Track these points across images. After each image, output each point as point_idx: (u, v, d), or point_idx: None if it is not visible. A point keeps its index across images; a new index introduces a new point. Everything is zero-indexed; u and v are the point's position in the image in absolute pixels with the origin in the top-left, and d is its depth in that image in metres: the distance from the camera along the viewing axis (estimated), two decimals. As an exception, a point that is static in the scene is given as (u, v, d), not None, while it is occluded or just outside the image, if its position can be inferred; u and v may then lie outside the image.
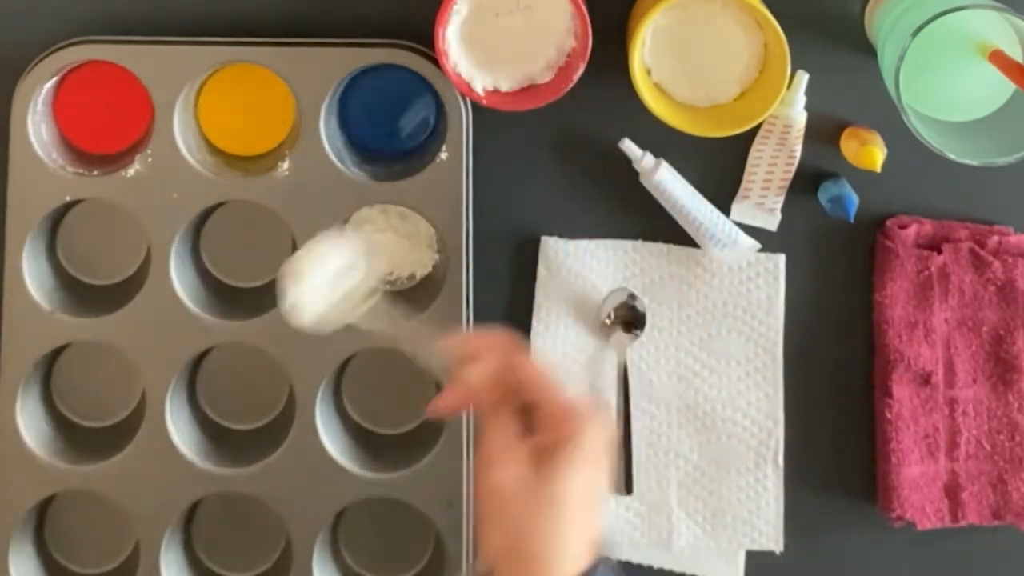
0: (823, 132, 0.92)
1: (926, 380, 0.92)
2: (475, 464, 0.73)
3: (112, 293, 0.93)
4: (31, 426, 0.90)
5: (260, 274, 0.95)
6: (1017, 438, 0.92)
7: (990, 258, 0.92)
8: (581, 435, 0.70)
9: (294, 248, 0.92)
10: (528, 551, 0.68)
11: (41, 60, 0.89)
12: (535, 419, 0.72)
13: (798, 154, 0.92)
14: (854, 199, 0.90)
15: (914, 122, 0.80)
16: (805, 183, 0.93)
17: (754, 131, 0.91)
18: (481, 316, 0.93)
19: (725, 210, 0.93)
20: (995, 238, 0.93)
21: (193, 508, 0.92)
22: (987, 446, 0.93)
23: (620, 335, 0.93)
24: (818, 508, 0.94)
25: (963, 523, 0.92)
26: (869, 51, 0.92)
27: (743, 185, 0.93)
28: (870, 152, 0.88)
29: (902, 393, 0.92)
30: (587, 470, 0.70)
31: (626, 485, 0.92)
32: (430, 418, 0.77)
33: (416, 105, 0.94)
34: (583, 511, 0.69)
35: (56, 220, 0.93)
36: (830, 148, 0.92)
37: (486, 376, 0.72)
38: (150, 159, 0.89)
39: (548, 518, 0.68)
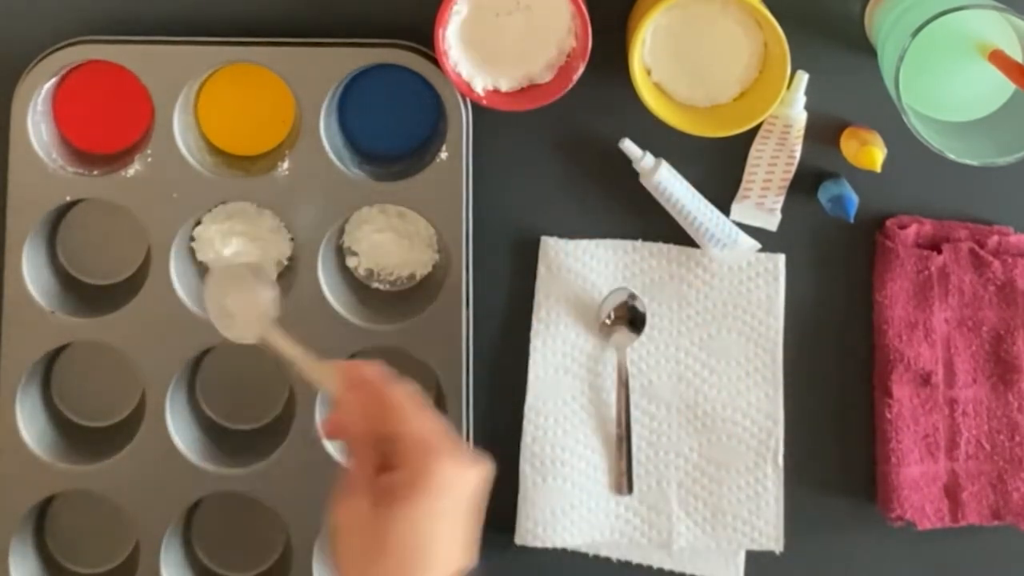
0: (823, 132, 0.92)
1: (926, 380, 0.92)
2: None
3: (112, 293, 0.93)
4: (31, 426, 0.90)
5: (260, 274, 0.95)
6: (1017, 438, 0.92)
7: (990, 258, 0.92)
8: (425, 471, 0.69)
9: (293, 248, 0.92)
10: None
11: (41, 60, 0.89)
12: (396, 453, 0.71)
13: (798, 154, 0.92)
14: (854, 199, 0.90)
15: (914, 122, 0.80)
16: (805, 183, 0.93)
17: (754, 131, 0.91)
18: (481, 316, 0.93)
19: (725, 210, 0.93)
20: (995, 238, 0.93)
21: (193, 508, 0.92)
22: (987, 446, 0.93)
23: (620, 335, 0.93)
24: (818, 508, 0.94)
25: (963, 523, 0.92)
26: (869, 51, 0.92)
27: (743, 185, 0.93)
28: (870, 152, 0.88)
29: (902, 393, 0.92)
30: (426, 507, 0.69)
31: (626, 485, 0.92)
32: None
33: (416, 105, 0.93)
34: (425, 550, 0.68)
35: (56, 220, 0.93)
36: (830, 148, 0.92)
37: (355, 409, 0.73)
38: (150, 159, 0.89)
39: (375, 554, 0.68)
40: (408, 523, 0.68)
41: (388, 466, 0.71)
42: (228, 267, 0.82)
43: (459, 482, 0.70)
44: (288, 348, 0.78)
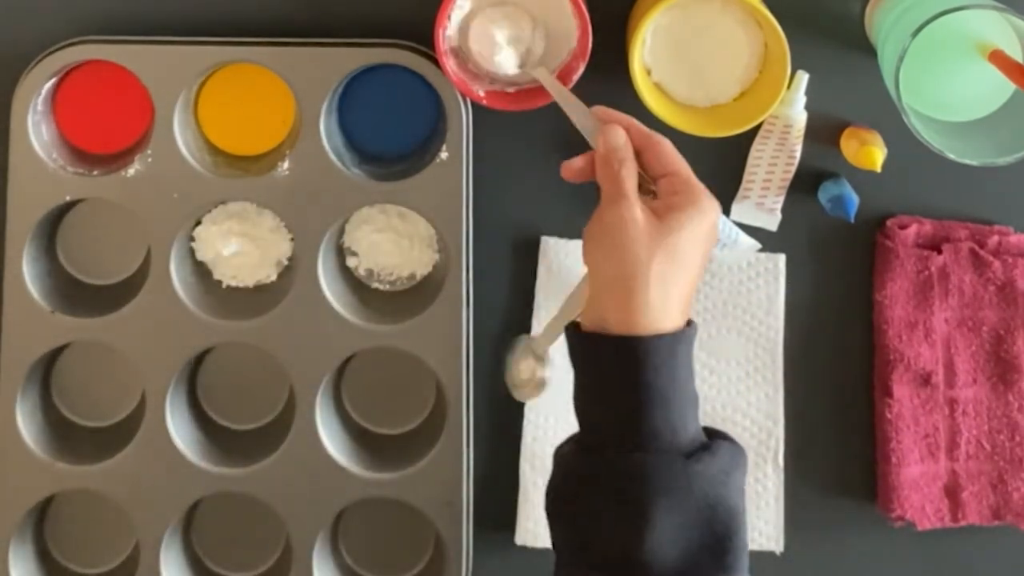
0: (823, 132, 0.93)
1: (926, 380, 0.92)
2: (603, 198, 0.77)
3: (112, 293, 0.93)
4: (31, 426, 0.90)
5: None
6: (1017, 438, 0.92)
7: (990, 258, 0.92)
8: (702, 203, 0.75)
9: (293, 248, 0.92)
10: (635, 287, 0.72)
11: (41, 60, 0.89)
12: (656, 187, 0.77)
13: (798, 154, 0.92)
14: (854, 199, 0.90)
15: (914, 122, 0.80)
16: (805, 183, 0.93)
17: (754, 131, 0.91)
18: (481, 316, 0.93)
19: (725, 210, 0.93)
20: (995, 238, 0.93)
21: (193, 508, 0.92)
22: (987, 446, 0.93)
23: (620, 335, 0.93)
24: (818, 508, 0.94)
25: (963, 523, 0.92)
26: (869, 51, 0.92)
27: (743, 185, 0.93)
28: (870, 152, 0.88)
29: (902, 393, 0.92)
30: (702, 235, 0.75)
31: (626, 485, 0.92)
32: (566, 177, 0.81)
33: (416, 105, 0.93)
34: (689, 272, 0.74)
35: (56, 220, 0.93)
36: (830, 148, 0.92)
37: (626, 137, 0.78)
38: (150, 159, 0.89)
39: (663, 263, 0.73)
40: (693, 244, 0.74)
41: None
42: None
43: (714, 214, 0.76)
44: (558, 87, 0.84)
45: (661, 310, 0.72)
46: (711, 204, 0.76)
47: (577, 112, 0.81)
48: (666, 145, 0.78)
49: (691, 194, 0.76)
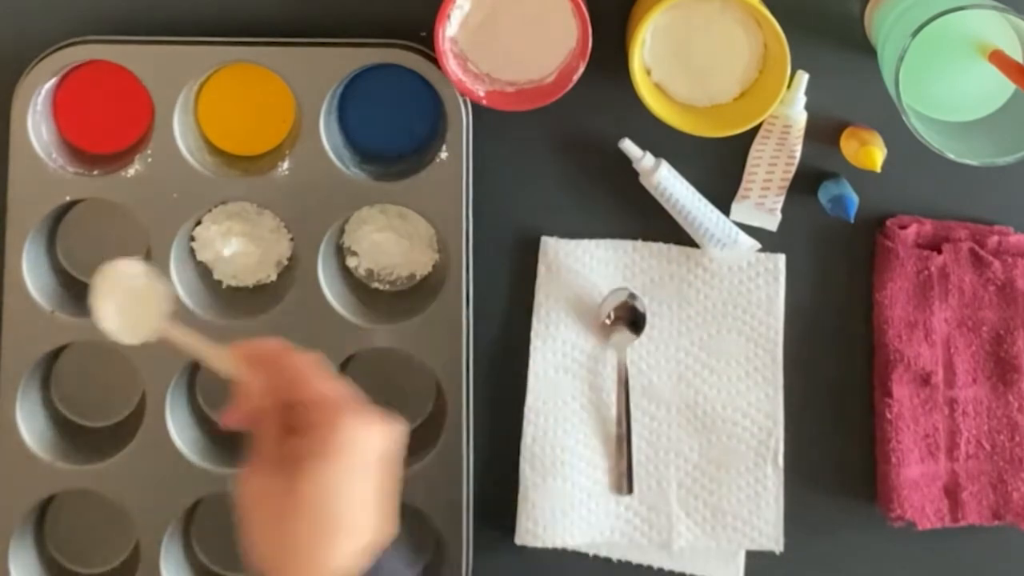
0: (823, 132, 0.93)
1: (926, 380, 0.92)
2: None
3: (112, 293, 0.93)
4: (31, 426, 0.90)
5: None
6: (1017, 438, 0.92)
7: (990, 258, 0.92)
8: (330, 430, 0.67)
9: (293, 248, 0.92)
10: (282, 557, 0.67)
11: (41, 60, 0.89)
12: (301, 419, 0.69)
13: (798, 154, 0.92)
14: (854, 199, 0.90)
15: (914, 122, 0.80)
16: (805, 183, 0.93)
17: (754, 131, 0.91)
18: (481, 316, 0.93)
19: (725, 210, 0.93)
20: (995, 238, 0.93)
21: (193, 508, 0.92)
22: (987, 446, 0.93)
23: (620, 335, 0.93)
24: (818, 508, 0.94)
25: (963, 523, 0.92)
26: (869, 51, 0.92)
27: (743, 185, 0.93)
28: (870, 152, 0.88)
29: (902, 393, 0.92)
30: (333, 466, 0.67)
31: (626, 485, 0.92)
32: (225, 428, 0.76)
33: (416, 105, 0.93)
34: (336, 511, 0.67)
35: (56, 220, 0.93)
36: (830, 148, 0.93)
37: (257, 385, 0.71)
38: (150, 159, 0.89)
39: (286, 520, 0.67)
40: (316, 484, 0.66)
41: (294, 435, 0.69)
42: (115, 264, 0.76)
43: (366, 440, 0.68)
44: (187, 340, 0.75)
45: (317, 564, 0.66)
46: (348, 424, 0.68)
47: (214, 364, 0.74)
48: (294, 367, 0.71)
49: (320, 423, 0.68)
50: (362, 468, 0.68)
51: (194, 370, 0.94)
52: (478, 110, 0.89)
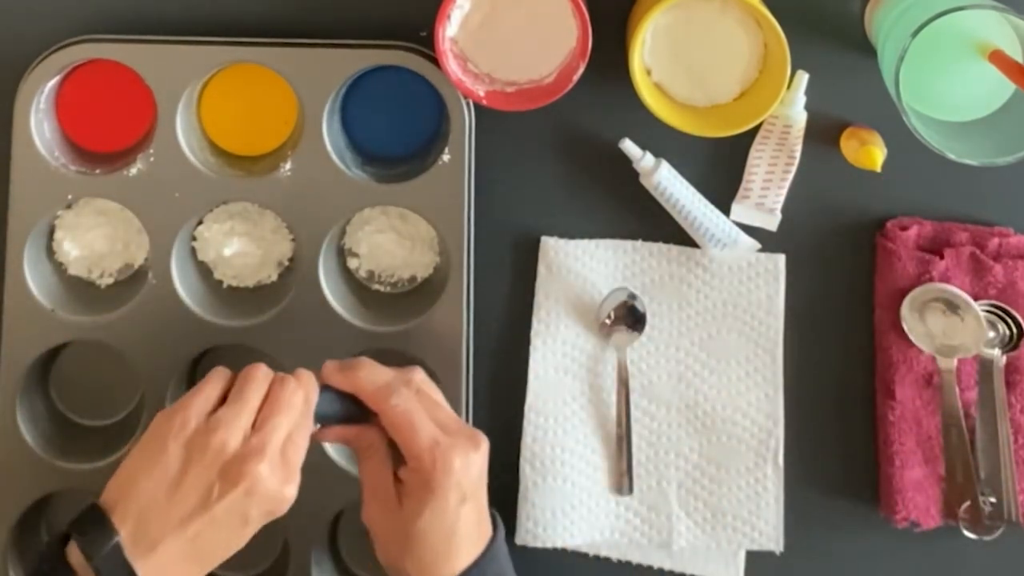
0: (823, 132, 0.93)
1: (928, 382, 0.92)
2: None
3: (112, 292, 0.93)
4: (31, 425, 0.90)
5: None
6: (1020, 439, 0.91)
7: (991, 262, 0.92)
8: (433, 471, 0.77)
9: (294, 248, 0.92)
10: (398, 570, 0.79)
11: (44, 58, 0.89)
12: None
13: (798, 154, 0.92)
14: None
15: (914, 122, 0.80)
16: (805, 183, 0.93)
17: (754, 131, 0.91)
18: (481, 316, 0.93)
19: (725, 210, 0.93)
20: (995, 240, 0.93)
21: (192, 508, 0.92)
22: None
23: (620, 335, 0.93)
24: (818, 508, 0.93)
25: (965, 524, 0.92)
26: (869, 51, 0.92)
27: (743, 185, 0.93)
28: (870, 152, 0.88)
29: (904, 395, 0.92)
30: (442, 502, 0.77)
31: (626, 485, 0.92)
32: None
33: (418, 107, 0.94)
34: (444, 538, 0.78)
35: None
36: (830, 148, 0.93)
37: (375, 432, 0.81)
38: (152, 158, 0.89)
39: (408, 550, 0.78)
40: (428, 520, 0.77)
41: (403, 465, 0.80)
42: None
43: (467, 470, 0.78)
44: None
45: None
46: (461, 462, 0.78)
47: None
48: (389, 416, 0.79)
49: (424, 467, 0.78)
50: (470, 494, 0.79)
51: (194, 370, 0.94)
52: (478, 110, 0.90)
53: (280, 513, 0.75)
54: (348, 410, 0.81)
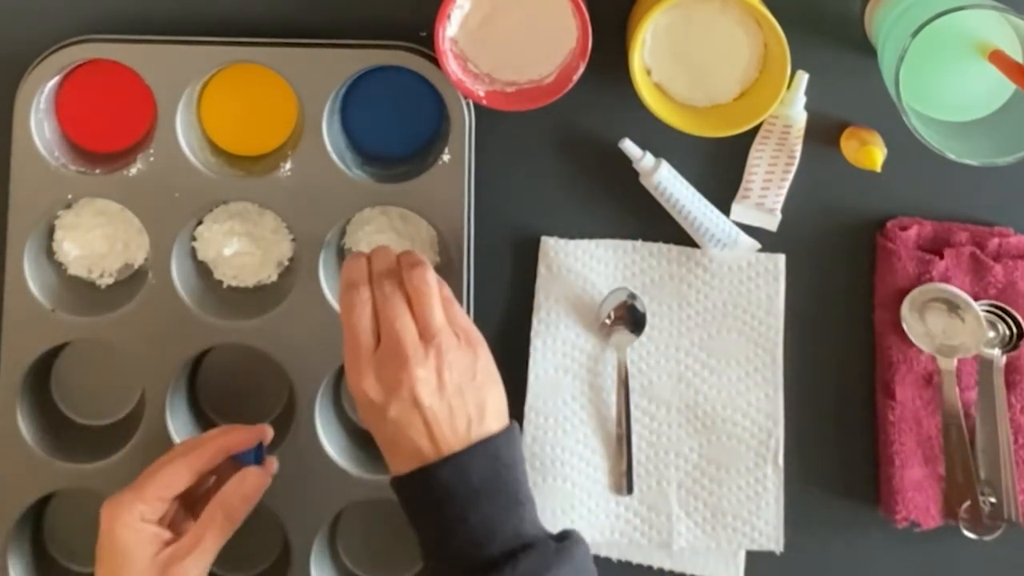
0: (823, 132, 0.93)
1: (928, 382, 0.92)
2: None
3: (112, 292, 0.93)
4: (31, 425, 0.90)
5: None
6: (1020, 440, 0.91)
7: (991, 262, 0.92)
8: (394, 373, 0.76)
9: (294, 248, 0.92)
10: (389, 448, 0.78)
11: (44, 58, 0.89)
12: None
13: (798, 154, 0.92)
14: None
15: (914, 122, 0.80)
16: (805, 183, 0.93)
17: (754, 131, 0.91)
18: (481, 316, 0.92)
19: (725, 210, 0.93)
20: (995, 240, 0.93)
21: (192, 507, 0.92)
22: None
23: (620, 335, 0.93)
24: (818, 508, 0.93)
25: (965, 524, 0.92)
26: (869, 51, 0.92)
27: (743, 185, 0.93)
28: (870, 152, 0.88)
29: (904, 395, 0.92)
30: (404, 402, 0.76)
31: (626, 485, 0.92)
32: None
33: (418, 107, 0.94)
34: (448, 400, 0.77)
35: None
36: (830, 148, 0.93)
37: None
38: (152, 158, 0.89)
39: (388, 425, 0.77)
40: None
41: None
42: None
43: (423, 382, 0.76)
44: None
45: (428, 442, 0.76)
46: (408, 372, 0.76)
47: None
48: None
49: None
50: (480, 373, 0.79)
51: (194, 370, 0.94)
52: (478, 110, 0.90)
53: None
54: None
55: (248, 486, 0.83)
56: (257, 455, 0.85)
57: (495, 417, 0.79)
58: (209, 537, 0.81)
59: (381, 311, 0.78)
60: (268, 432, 0.87)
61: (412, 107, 0.94)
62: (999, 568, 0.93)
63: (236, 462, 0.84)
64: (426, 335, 0.77)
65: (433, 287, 0.79)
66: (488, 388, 0.79)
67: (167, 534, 0.81)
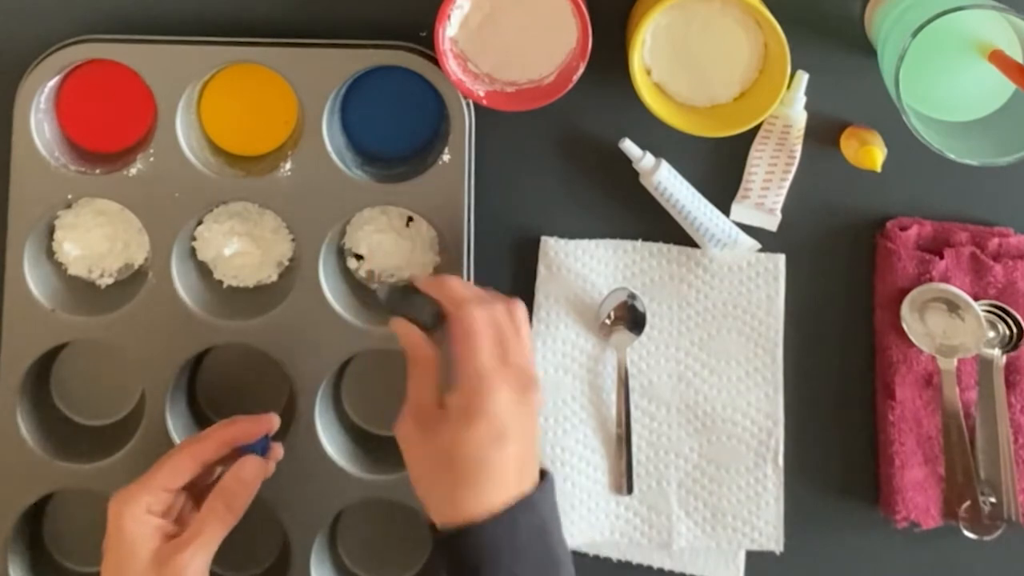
0: (823, 132, 0.93)
1: (928, 382, 0.92)
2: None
3: (112, 292, 0.93)
4: (31, 425, 0.90)
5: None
6: (1020, 439, 0.91)
7: (991, 262, 0.92)
8: (475, 404, 0.74)
9: (294, 248, 0.92)
10: (426, 494, 0.76)
11: (44, 58, 0.89)
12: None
13: (798, 154, 0.92)
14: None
15: (914, 122, 0.80)
16: (805, 183, 0.93)
17: (754, 131, 0.91)
18: (481, 316, 0.93)
19: (725, 210, 0.93)
20: (995, 240, 0.93)
21: (192, 507, 0.92)
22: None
23: (620, 335, 0.93)
24: (818, 508, 0.93)
25: (965, 524, 0.92)
26: (869, 51, 0.92)
27: (743, 185, 0.93)
28: (870, 152, 0.88)
29: (905, 395, 0.92)
30: (475, 432, 0.74)
31: (626, 485, 0.92)
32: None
33: (419, 107, 0.94)
34: (471, 468, 0.74)
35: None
36: (830, 148, 0.93)
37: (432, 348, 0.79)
38: (152, 158, 0.89)
39: (436, 477, 0.75)
40: (459, 445, 0.74)
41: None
42: None
43: (511, 407, 0.75)
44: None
45: (454, 505, 0.74)
46: (488, 409, 0.75)
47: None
48: (461, 325, 0.77)
49: (468, 394, 0.75)
50: (510, 435, 0.75)
51: (194, 370, 0.94)
52: (478, 110, 0.90)
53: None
54: (422, 312, 0.82)
55: (246, 472, 0.83)
56: (263, 446, 0.85)
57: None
58: (209, 528, 0.80)
59: (504, 336, 0.78)
60: (275, 422, 0.86)
61: (412, 107, 0.94)
62: (999, 568, 0.93)
63: (242, 454, 0.84)
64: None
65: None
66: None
67: (171, 527, 0.81)
